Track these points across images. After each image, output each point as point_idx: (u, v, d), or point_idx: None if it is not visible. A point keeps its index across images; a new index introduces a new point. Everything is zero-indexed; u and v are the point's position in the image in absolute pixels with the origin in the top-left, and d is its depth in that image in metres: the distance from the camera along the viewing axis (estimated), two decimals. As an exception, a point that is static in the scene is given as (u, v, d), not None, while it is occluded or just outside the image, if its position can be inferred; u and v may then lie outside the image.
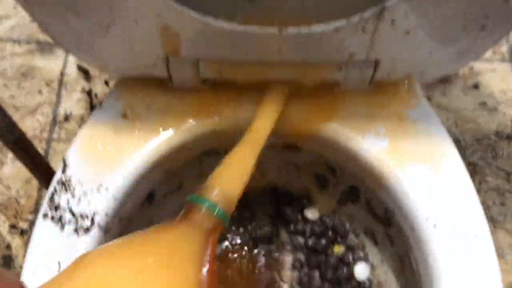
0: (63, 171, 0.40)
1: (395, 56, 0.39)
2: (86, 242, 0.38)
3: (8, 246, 0.68)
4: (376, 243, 0.51)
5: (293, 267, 0.55)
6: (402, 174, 0.40)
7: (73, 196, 0.39)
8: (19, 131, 0.47)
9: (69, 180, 0.40)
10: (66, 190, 0.40)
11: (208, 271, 0.27)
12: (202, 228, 0.31)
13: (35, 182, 0.71)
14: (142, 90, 0.44)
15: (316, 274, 0.53)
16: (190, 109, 0.43)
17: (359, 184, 0.50)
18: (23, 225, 0.69)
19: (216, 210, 0.32)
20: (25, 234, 0.68)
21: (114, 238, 0.42)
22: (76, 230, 0.39)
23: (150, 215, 0.51)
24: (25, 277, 0.37)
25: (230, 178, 0.35)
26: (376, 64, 0.40)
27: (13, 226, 0.69)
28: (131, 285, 0.25)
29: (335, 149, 0.44)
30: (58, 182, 0.40)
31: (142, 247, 0.28)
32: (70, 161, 0.41)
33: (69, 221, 0.39)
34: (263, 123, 0.39)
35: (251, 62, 0.40)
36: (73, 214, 0.39)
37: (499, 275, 0.37)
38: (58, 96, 0.78)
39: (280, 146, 0.49)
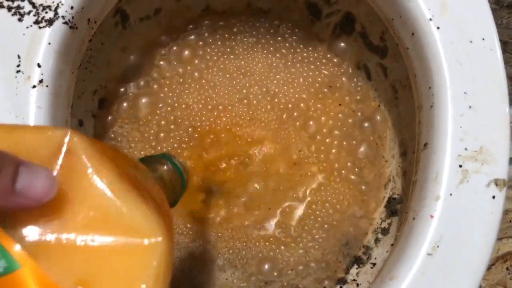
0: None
1: None
2: (49, 34, 0.34)
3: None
4: (369, 77, 0.48)
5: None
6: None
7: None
8: None
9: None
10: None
11: None
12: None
13: None
14: None
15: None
16: None
17: (354, 8, 0.46)
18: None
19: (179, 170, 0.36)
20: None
21: (82, 41, 0.38)
22: (37, 22, 0.34)
23: (123, 42, 0.47)
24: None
25: None
26: None
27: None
28: None
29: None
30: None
31: None
32: None
33: (29, 12, 0.34)
34: None
35: None
36: (33, 5, 0.34)
37: (504, 83, 0.35)
38: None
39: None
